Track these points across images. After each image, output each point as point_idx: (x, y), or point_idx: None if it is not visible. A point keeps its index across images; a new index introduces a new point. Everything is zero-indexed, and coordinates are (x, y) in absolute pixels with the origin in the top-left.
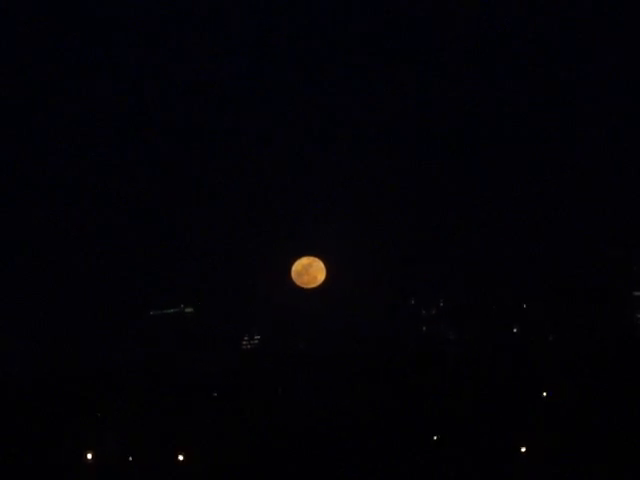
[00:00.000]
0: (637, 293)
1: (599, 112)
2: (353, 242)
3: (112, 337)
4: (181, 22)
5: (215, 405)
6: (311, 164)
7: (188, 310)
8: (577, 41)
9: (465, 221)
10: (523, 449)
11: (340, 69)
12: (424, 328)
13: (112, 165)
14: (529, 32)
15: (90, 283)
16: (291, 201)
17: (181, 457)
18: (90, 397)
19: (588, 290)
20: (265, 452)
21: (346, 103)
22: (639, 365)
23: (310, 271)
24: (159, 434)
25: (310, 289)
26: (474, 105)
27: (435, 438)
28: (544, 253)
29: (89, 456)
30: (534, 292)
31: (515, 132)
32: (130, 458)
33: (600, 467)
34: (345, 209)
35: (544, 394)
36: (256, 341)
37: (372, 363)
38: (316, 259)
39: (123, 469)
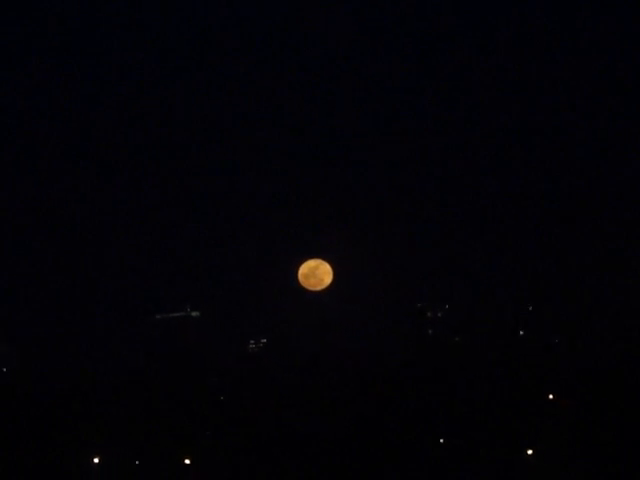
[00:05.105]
0: None
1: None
2: (359, 245)
3: (118, 341)
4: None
5: (221, 408)
6: (318, 167)
7: (194, 314)
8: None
9: (472, 224)
10: (530, 451)
11: (351, 74)
12: (430, 331)
13: (120, 170)
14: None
15: (96, 287)
16: (298, 204)
17: (187, 460)
18: (96, 401)
19: (594, 292)
20: (271, 455)
21: (355, 107)
22: None
23: (317, 274)
24: (165, 438)
25: (317, 291)
26: (484, 113)
27: (441, 441)
28: (550, 256)
29: (96, 460)
30: (540, 295)
31: (523, 140)
32: (137, 462)
33: (607, 469)
34: (352, 212)
35: (550, 396)
36: (262, 344)
37: (378, 365)
38: (323, 262)
39: (130, 473)
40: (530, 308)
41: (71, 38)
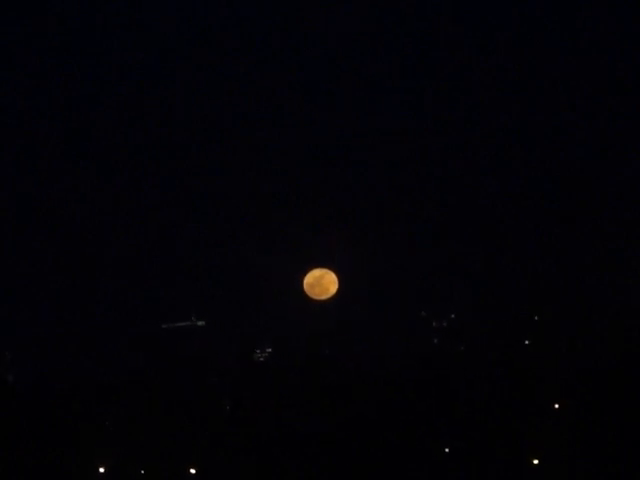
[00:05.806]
0: None
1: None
2: (365, 254)
3: (123, 350)
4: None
5: (227, 418)
6: (323, 176)
7: (200, 323)
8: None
9: (479, 233)
10: (535, 461)
11: (353, 83)
12: (435, 340)
13: (125, 176)
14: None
15: (102, 296)
16: (303, 213)
17: (193, 470)
18: (101, 410)
19: (603, 302)
20: (279, 467)
21: (360, 114)
22: None
23: (322, 283)
24: (171, 447)
25: (322, 301)
26: (484, 113)
27: (447, 450)
28: (557, 264)
29: (101, 470)
30: (546, 304)
31: (523, 140)
32: (142, 471)
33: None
34: (357, 221)
35: (556, 406)
36: (267, 354)
37: (383, 375)
38: (328, 271)
39: None
40: (536, 317)
41: (71, 38)
